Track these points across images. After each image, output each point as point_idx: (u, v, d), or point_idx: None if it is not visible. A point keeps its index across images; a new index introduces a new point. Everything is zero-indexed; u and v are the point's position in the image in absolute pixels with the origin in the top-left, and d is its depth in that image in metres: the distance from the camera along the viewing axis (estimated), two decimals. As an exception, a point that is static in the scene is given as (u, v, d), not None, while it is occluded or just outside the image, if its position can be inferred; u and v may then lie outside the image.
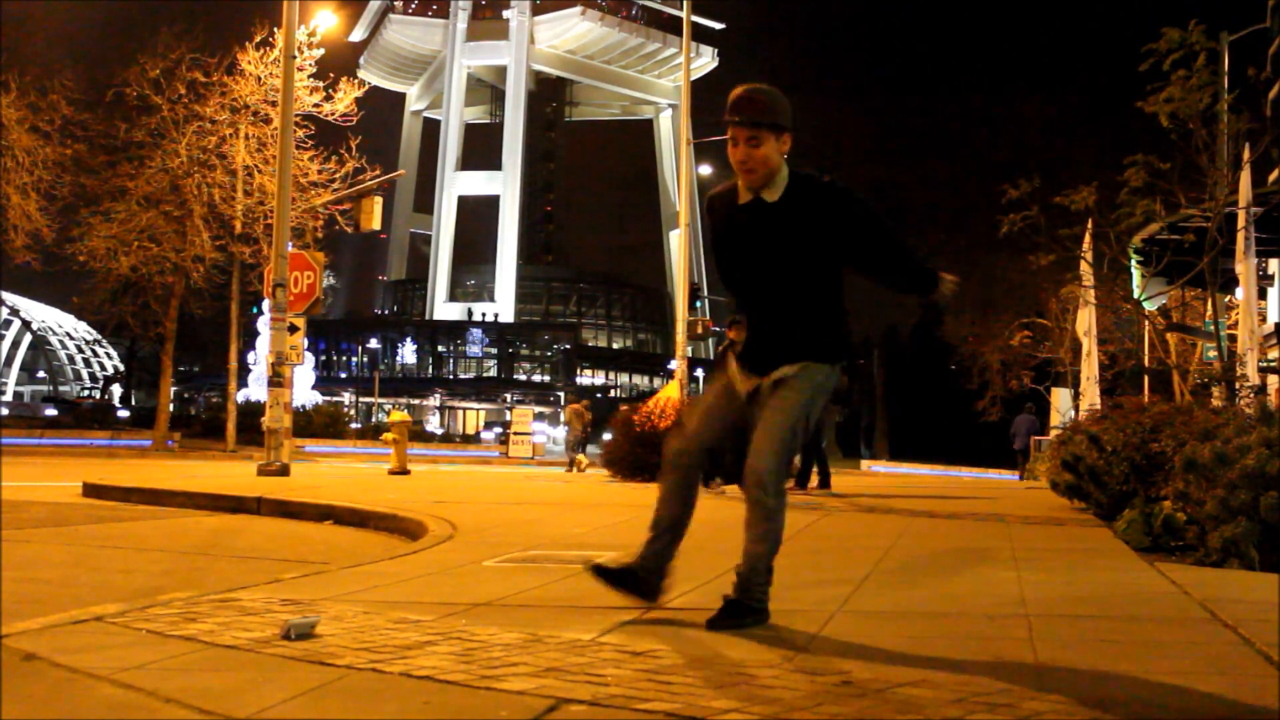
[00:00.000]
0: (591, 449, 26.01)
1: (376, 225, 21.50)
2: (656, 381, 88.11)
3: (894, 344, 78.86)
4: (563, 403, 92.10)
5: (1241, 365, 9.85)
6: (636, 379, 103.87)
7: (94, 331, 76.48)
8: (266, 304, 19.35)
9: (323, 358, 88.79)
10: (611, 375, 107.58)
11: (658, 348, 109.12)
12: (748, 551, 3.49)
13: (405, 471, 15.03)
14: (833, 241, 3.42)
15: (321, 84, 27.67)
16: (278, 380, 14.79)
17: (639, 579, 3.54)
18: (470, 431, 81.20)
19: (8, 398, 74.16)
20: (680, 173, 26.91)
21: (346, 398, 78.45)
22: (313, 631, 3.07)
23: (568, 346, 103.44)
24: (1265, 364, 14.70)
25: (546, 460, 33.97)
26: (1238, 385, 9.27)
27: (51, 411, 50.69)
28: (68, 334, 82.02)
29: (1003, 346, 33.34)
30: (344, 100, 27.70)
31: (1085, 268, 12.82)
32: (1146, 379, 20.81)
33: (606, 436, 18.51)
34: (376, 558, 5.23)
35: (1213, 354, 14.63)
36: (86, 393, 74.86)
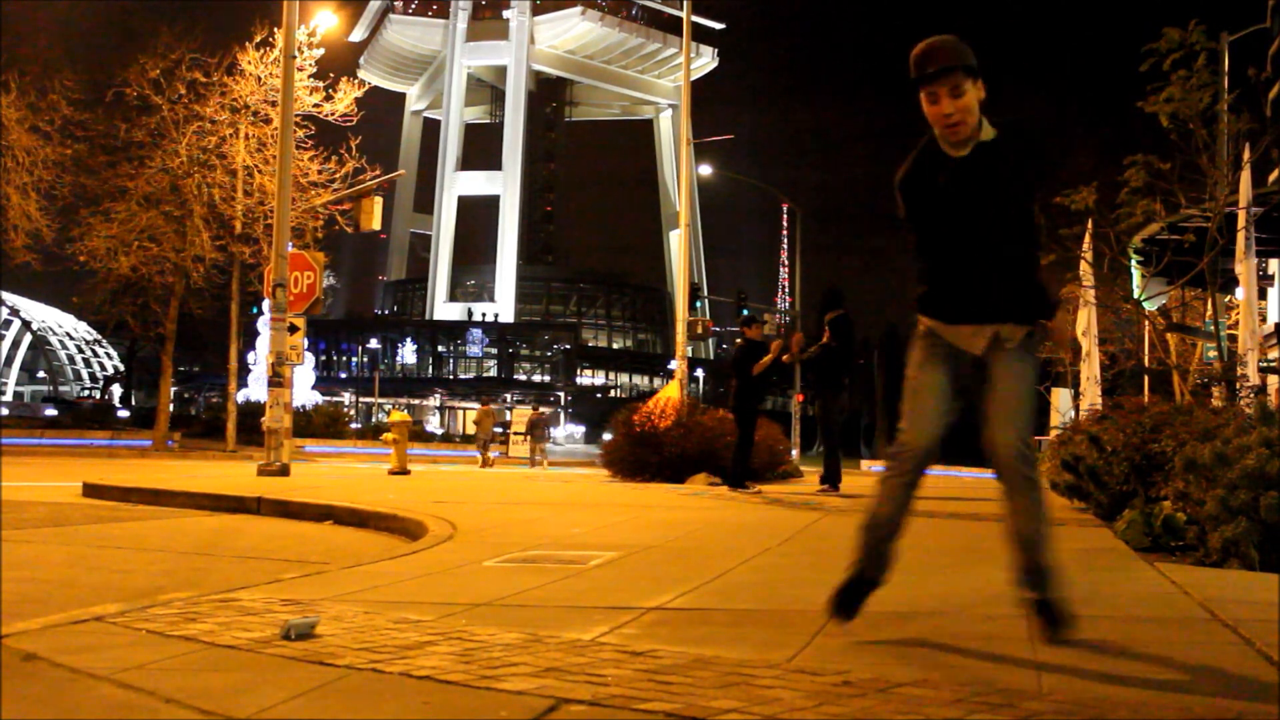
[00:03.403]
0: (591, 449, 26.97)
1: (376, 225, 21.51)
2: (656, 381, 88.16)
3: (894, 344, 78.87)
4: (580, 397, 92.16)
5: (1242, 365, 9.84)
6: (636, 379, 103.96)
7: (94, 331, 76.51)
8: (266, 304, 19.36)
9: (323, 358, 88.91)
10: (611, 375, 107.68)
11: (658, 348, 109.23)
12: (1021, 533, 3.26)
13: (405, 471, 15.03)
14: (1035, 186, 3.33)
15: (321, 84, 27.72)
16: (278, 380, 14.79)
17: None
18: (470, 432, 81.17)
19: (8, 398, 74.16)
20: (680, 173, 26.94)
21: (346, 398, 78.56)
22: (313, 631, 3.07)
23: (568, 346, 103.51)
24: (1265, 364, 14.70)
25: (546, 461, 34.01)
26: (1238, 385, 9.26)
27: (51, 411, 50.72)
28: (68, 334, 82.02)
29: (1002, 347, 33.24)
30: (344, 100, 27.71)
31: (1085, 268, 12.81)
32: (1146, 379, 20.82)
33: (607, 436, 18.56)
34: (376, 558, 5.23)
35: (1213, 354, 14.63)
36: (86, 393, 74.89)
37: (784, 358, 12.02)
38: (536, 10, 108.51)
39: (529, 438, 31.52)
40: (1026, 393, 3.27)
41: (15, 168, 26.88)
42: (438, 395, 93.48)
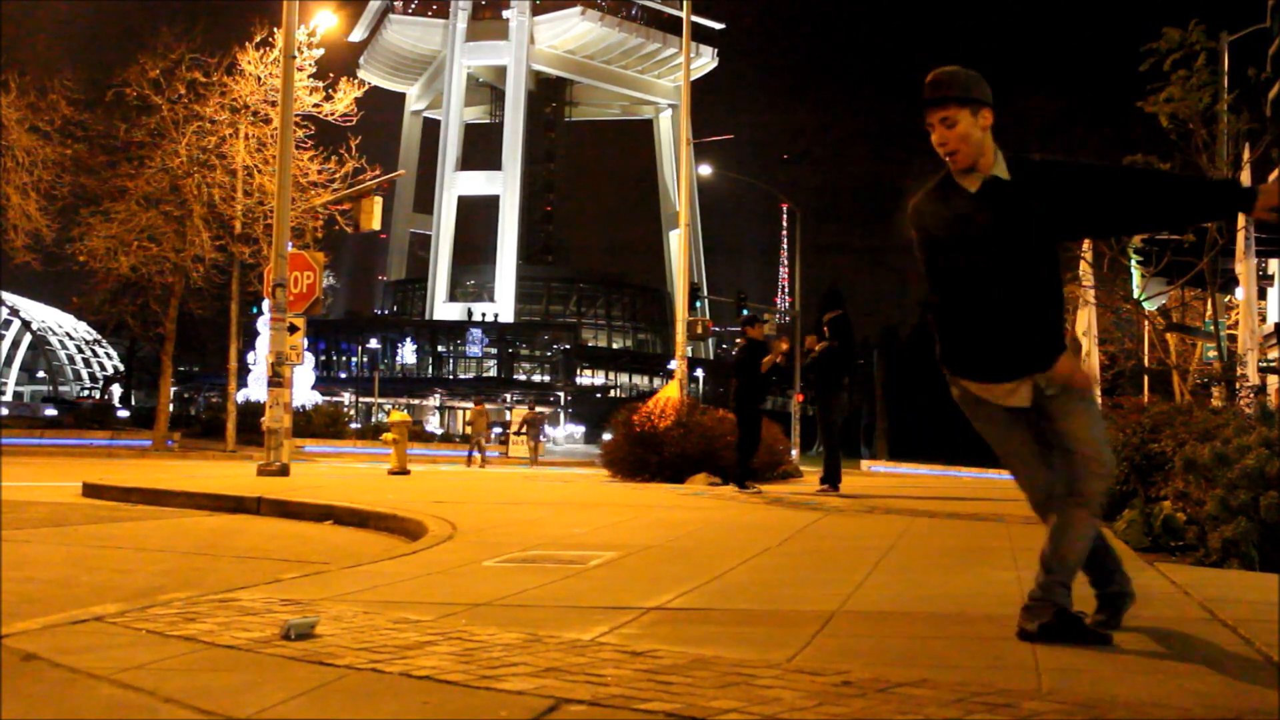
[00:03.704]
0: (591, 449, 27.28)
1: (376, 225, 21.48)
2: (656, 381, 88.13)
3: (893, 344, 78.96)
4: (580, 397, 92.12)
5: (1241, 365, 9.84)
6: (636, 379, 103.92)
7: (94, 331, 76.51)
8: (266, 304, 19.34)
9: (323, 358, 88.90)
10: (611, 375, 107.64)
11: (657, 348, 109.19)
12: (1069, 550, 3.20)
13: (405, 471, 15.03)
14: (1068, 218, 3.17)
15: (321, 84, 27.70)
16: (278, 380, 14.79)
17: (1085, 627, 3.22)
18: (470, 432, 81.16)
19: (8, 398, 74.17)
20: (680, 173, 26.95)
21: (346, 398, 78.51)
22: (313, 631, 3.07)
23: (567, 346, 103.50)
24: (1265, 364, 14.70)
25: (544, 461, 34.17)
26: (1238, 385, 9.26)
27: (51, 411, 50.70)
28: (68, 334, 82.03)
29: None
30: (344, 100, 27.70)
31: (1085, 268, 12.82)
32: (1146, 379, 20.81)
33: (607, 436, 18.56)
34: (376, 558, 5.23)
35: (1213, 354, 14.62)
36: (86, 393, 74.88)
37: (780, 360, 12.08)
38: (536, 10, 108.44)
39: (525, 436, 32.40)
40: (1096, 429, 3.20)
41: (15, 168, 26.87)
42: (438, 395, 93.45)
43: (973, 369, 3.21)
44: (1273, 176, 17.95)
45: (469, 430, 32.04)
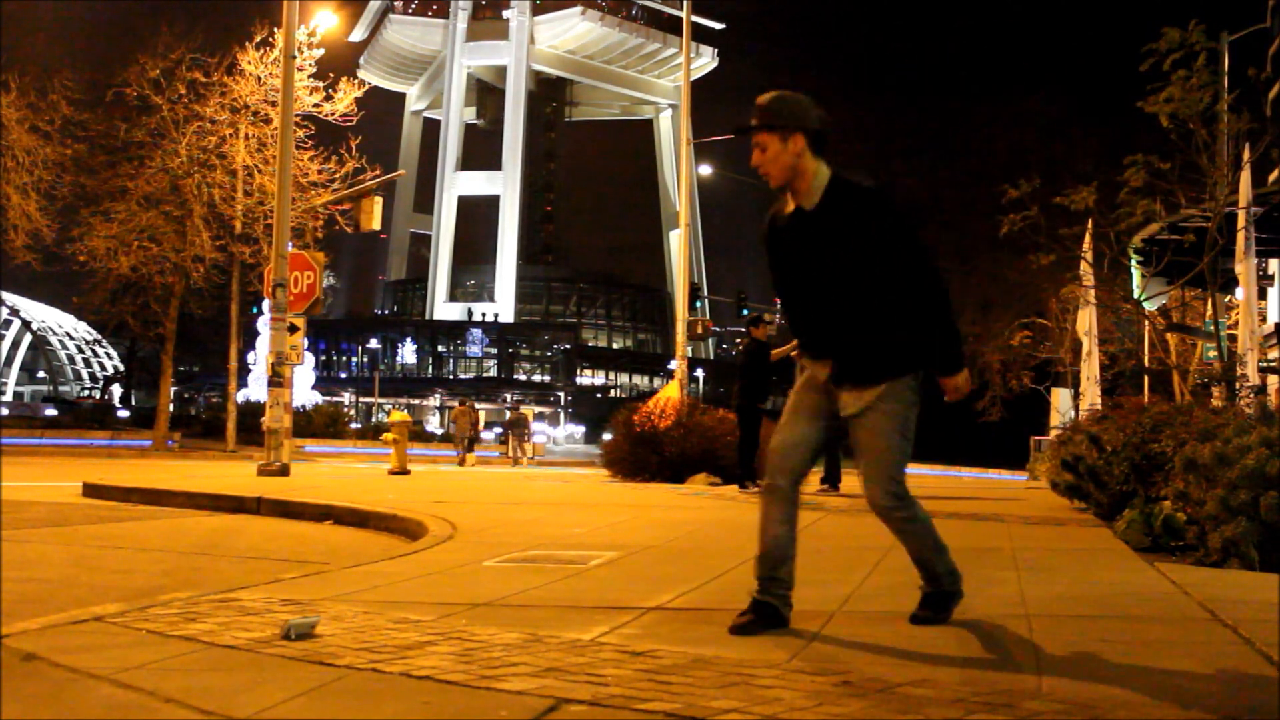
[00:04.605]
0: (591, 449, 27.56)
1: (376, 225, 21.47)
2: (656, 381, 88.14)
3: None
4: (569, 399, 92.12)
5: (1241, 365, 9.84)
6: (636, 379, 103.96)
7: (94, 331, 76.54)
8: (266, 304, 19.35)
9: (323, 358, 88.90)
10: (611, 375, 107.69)
11: (658, 348, 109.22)
12: (913, 555, 3.64)
13: (405, 472, 15.03)
14: (873, 249, 3.20)
15: (321, 84, 27.72)
16: (278, 380, 14.79)
17: (768, 617, 3.39)
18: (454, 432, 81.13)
19: (8, 398, 74.17)
20: (680, 173, 26.95)
21: (346, 398, 78.57)
22: (313, 631, 3.07)
23: (568, 346, 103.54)
24: (1265, 364, 14.71)
25: (543, 461, 34.30)
26: (1238, 385, 9.26)
27: (51, 411, 50.69)
28: (68, 334, 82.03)
29: (1003, 346, 33.27)
30: (344, 100, 27.72)
31: (1085, 268, 12.83)
32: (1146, 379, 20.84)
33: (607, 436, 18.58)
34: (376, 558, 5.23)
35: (1213, 354, 14.64)
36: (86, 393, 74.89)
37: (795, 354, 12.07)
38: (536, 10, 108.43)
39: (510, 436, 32.97)
40: (885, 442, 3.40)
41: (15, 168, 26.90)
42: (438, 395, 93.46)
43: (810, 353, 3.48)
44: (1272, 177, 17.98)
45: (455, 430, 32.65)
